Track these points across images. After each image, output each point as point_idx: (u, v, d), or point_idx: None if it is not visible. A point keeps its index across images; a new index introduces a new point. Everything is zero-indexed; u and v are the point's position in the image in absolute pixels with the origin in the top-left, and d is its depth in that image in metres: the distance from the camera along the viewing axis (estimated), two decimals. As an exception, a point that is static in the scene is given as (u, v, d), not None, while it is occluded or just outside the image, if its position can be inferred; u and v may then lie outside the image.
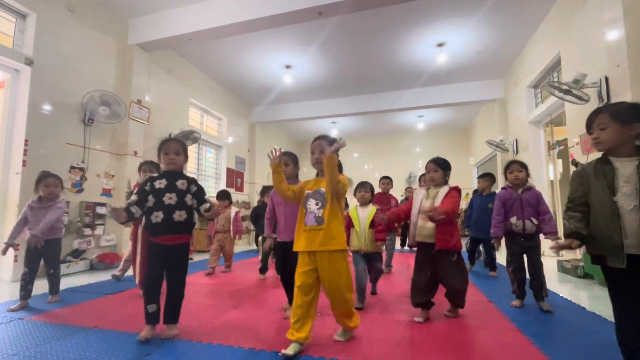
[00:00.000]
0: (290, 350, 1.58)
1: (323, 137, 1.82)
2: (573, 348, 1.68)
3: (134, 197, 1.90)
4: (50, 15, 3.87)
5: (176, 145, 1.97)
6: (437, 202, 2.10)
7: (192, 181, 2.00)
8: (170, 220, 1.87)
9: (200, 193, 1.99)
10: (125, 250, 3.48)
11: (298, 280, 1.70)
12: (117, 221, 1.84)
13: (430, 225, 2.09)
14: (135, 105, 4.70)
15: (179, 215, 1.89)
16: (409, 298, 2.20)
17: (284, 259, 2.26)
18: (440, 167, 2.22)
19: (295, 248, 1.77)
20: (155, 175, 2.03)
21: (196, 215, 2.04)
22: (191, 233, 2.00)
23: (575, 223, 1.34)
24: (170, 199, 1.89)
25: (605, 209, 1.28)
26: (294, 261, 2.00)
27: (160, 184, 1.91)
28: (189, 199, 1.94)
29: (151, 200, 1.88)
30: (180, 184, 1.93)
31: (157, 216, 1.86)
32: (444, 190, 2.16)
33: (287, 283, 2.25)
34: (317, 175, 1.91)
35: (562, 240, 1.36)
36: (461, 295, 2.14)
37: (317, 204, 1.74)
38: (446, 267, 2.09)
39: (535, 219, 2.37)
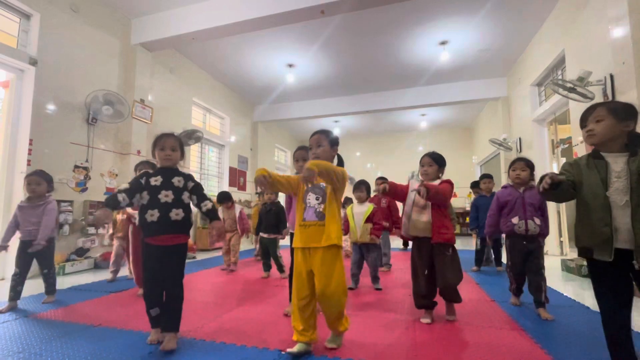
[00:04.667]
0: (295, 349, 1.58)
1: (322, 132, 1.81)
2: (577, 348, 1.67)
3: (124, 185, 1.77)
4: (53, 15, 3.89)
5: (172, 141, 1.87)
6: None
7: (188, 178, 1.89)
8: (167, 219, 1.75)
9: (197, 189, 1.89)
10: (116, 251, 3.41)
11: (296, 277, 1.66)
12: (100, 222, 1.78)
13: (425, 219, 2.08)
14: (138, 105, 4.72)
15: (176, 214, 1.77)
16: (411, 297, 2.20)
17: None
18: (436, 162, 2.19)
19: (293, 244, 1.72)
20: (150, 171, 1.91)
21: (193, 215, 1.93)
22: (189, 233, 1.91)
23: (559, 176, 1.36)
24: (166, 196, 1.77)
25: (598, 203, 1.31)
26: None
27: (156, 181, 1.79)
28: (186, 196, 1.83)
29: (145, 197, 1.77)
30: (177, 181, 1.83)
31: (153, 215, 1.73)
32: (436, 183, 2.13)
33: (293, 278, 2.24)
34: None
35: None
36: (455, 290, 2.09)
37: (317, 199, 1.69)
38: (441, 261, 2.06)
39: (539, 219, 2.25)
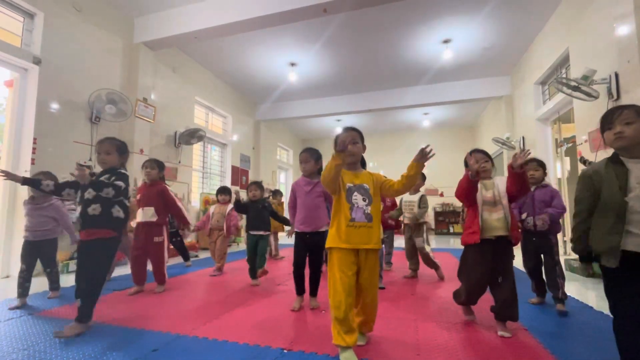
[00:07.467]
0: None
1: (356, 130, 1.79)
2: (581, 347, 1.66)
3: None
4: (57, 14, 3.91)
5: (107, 146, 2.06)
6: (501, 190, 1.92)
7: (114, 174, 2.00)
8: (85, 214, 1.90)
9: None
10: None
11: (344, 280, 1.57)
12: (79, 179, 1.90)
13: (497, 216, 1.86)
14: (141, 104, 4.73)
15: (93, 209, 1.89)
16: (413, 296, 2.19)
17: (301, 248, 2.33)
18: (491, 159, 2.08)
19: (335, 244, 1.63)
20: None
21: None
22: (111, 228, 1.96)
23: (583, 242, 1.36)
24: (89, 193, 1.90)
25: (613, 211, 1.28)
26: (317, 253, 2.22)
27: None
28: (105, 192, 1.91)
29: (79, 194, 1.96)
30: (105, 178, 1.98)
31: (78, 210, 1.94)
32: (499, 179, 2.01)
33: (299, 273, 2.36)
34: (347, 167, 1.76)
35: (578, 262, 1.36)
36: (516, 301, 1.86)
37: (364, 200, 1.67)
38: (508, 264, 1.88)
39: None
